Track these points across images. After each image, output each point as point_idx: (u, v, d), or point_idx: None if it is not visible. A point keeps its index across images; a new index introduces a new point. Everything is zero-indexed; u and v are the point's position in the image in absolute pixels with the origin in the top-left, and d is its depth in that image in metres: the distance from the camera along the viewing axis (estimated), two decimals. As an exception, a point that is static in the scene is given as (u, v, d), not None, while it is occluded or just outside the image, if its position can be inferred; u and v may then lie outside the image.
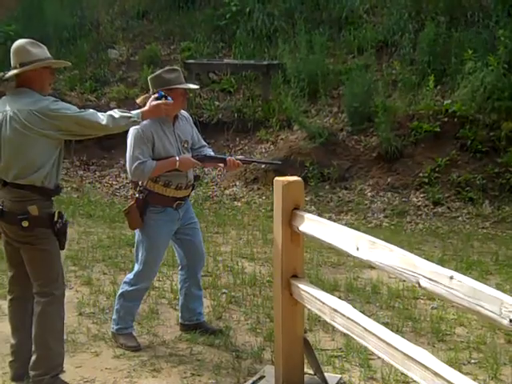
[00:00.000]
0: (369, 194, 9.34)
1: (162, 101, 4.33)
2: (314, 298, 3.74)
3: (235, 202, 9.67)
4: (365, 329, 3.31)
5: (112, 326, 4.74)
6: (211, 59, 11.75)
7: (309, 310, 4.11)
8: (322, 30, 11.36)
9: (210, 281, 6.10)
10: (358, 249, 3.27)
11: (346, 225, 6.25)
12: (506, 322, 2.33)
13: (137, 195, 4.58)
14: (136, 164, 4.43)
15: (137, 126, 4.36)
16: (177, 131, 4.66)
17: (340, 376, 4.26)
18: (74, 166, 11.30)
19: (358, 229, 3.53)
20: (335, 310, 3.56)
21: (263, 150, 10.24)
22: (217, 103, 11.23)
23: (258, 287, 5.99)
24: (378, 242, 3.16)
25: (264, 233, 7.67)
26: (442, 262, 5.67)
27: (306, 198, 9.38)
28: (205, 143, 5.00)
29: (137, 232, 4.70)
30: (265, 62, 11.22)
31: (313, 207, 9.09)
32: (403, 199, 9.22)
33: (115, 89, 11.94)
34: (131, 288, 4.65)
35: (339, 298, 3.83)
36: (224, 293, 5.85)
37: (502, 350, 4.71)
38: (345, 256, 6.98)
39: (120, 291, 4.71)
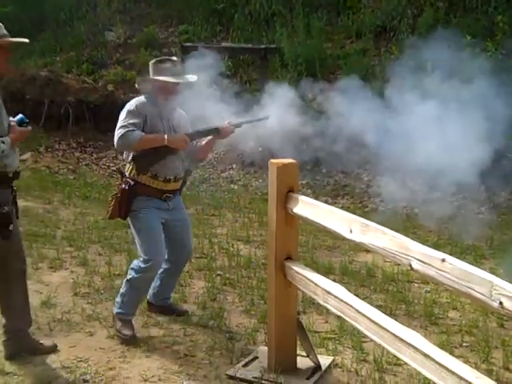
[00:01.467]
0: (365, 178, 9.36)
1: (23, 128, 4.04)
2: (308, 280, 3.76)
3: (232, 185, 9.69)
4: (357, 311, 3.33)
5: (114, 307, 4.67)
6: (209, 43, 11.71)
7: (302, 292, 4.13)
8: (320, 15, 11.32)
9: (205, 263, 6.13)
10: (351, 231, 3.28)
11: (342, 209, 6.27)
12: (495, 304, 2.34)
13: (122, 185, 4.48)
14: (123, 131, 4.30)
15: (133, 102, 4.46)
16: (171, 122, 4.59)
17: (333, 358, 4.29)
18: (71, 147, 11.30)
19: (354, 213, 3.53)
20: (328, 292, 3.58)
21: (260, 133, 10.22)
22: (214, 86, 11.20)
23: (252, 269, 6.02)
24: (370, 224, 3.17)
25: (260, 215, 7.69)
26: (436, 247, 5.67)
27: (303, 182, 9.40)
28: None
29: (130, 225, 4.62)
30: (262, 46, 11.19)
31: (309, 191, 9.11)
32: (398, 183, 9.21)
33: (112, 71, 11.92)
34: (137, 275, 4.51)
35: (334, 281, 3.84)
36: (219, 275, 5.88)
37: (494, 333, 4.75)
38: (340, 239, 7.00)
39: (127, 277, 4.59)
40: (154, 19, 12.88)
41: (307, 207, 3.72)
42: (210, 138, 4.72)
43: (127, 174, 4.51)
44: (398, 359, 4.07)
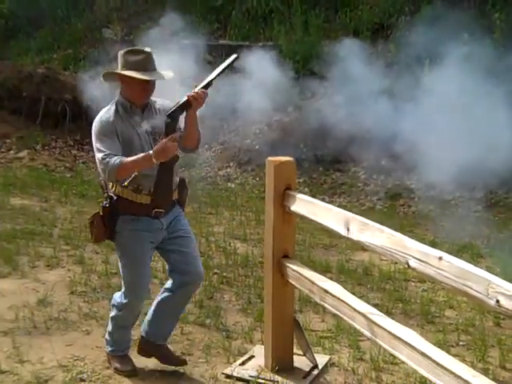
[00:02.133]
0: (362, 176, 9.37)
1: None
2: (305, 278, 3.75)
3: (229, 183, 9.68)
4: (354, 309, 3.33)
5: (106, 345, 4.15)
6: (206, 40, 11.69)
7: (299, 290, 4.13)
8: (318, 12, 11.32)
9: (202, 261, 6.11)
10: (348, 230, 3.28)
11: (338, 207, 6.27)
12: (492, 302, 2.34)
13: (103, 203, 3.81)
14: (101, 161, 3.59)
15: (96, 123, 3.74)
16: (147, 120, 3.79)
17: (329, 357, 4.28)
18: (68, 145, 11.29)
19: (350, 211, 3.51)
20: (325, 291, 3.57)
21: (257, 131, 10.23)
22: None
23: (249, 268, 6.01)
24: (368, 222, 3.16)
25: (257, 214, 7.69)
26: (433, 245, 5.66)
27: (300, 180, 9.40)
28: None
29: (116, 249, 3.99)
30: (260, 44, 11.18)
31: (306, 189, 9.11)
32: (396, 182, 9.24)
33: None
34: (120, 313, 3.96)
35: (331, 279, 3.83)
36: (216, 273, 5.87)
37: (490, 332, 4.75)
38: (337, 238, 7.01)
39: (110, 314, 4.06)
40: (151, 16, 12.85)
41: (304, 205, 3.71)
42: (185, 115, 3.83)
43: (109, 187, 3.83)
44: (395, 358, 4.06)
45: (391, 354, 3.86)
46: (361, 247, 6.30)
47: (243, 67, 5.04)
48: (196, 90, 3.78)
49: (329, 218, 3.49)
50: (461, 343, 4.59)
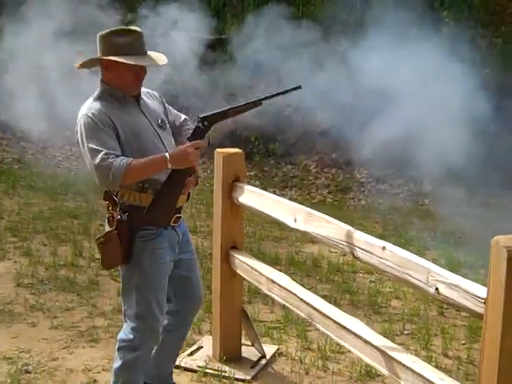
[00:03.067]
0: (313, 169, 9.44)
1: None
2: (252, 269, 3.78)
3: (180, 176, 9.65)
4: (300, 299, 3.37)
5: None
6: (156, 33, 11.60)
7: (248, 282, 4.15)
8: (271, 6, 11.33)
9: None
10: (295, 220, 3.31)
11: (289, 200, 6.33)
12: (432, 290, 2.40)
13: (118, 217, 3.06)
14: (97, 160, 2.92)
15: (84, 116, 3.03)
16: (147, 111, 3.21)
17: (277, 347, 4.32)
18: (16, 136, 11.07)
19: (301, 204, 3.54)
20: (272, 281, 3.61)
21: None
22: (162, 77, 11.13)
23: (199, 260, 5.96)
24: (315, 213, 3.20)
25: (208, 206, 7.68)
26: (381, 238, 5.78)
27: (251, 173, 9.44)
28: (184, 116, 3.50)
29: (124, 273, 3.20)
30: (211, 37, 11.14)
31: (257, 182, 9.14)
32: (347, 175, 9.35)
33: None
34: (136, 353, 3.20)
35: (280, 271, 3.87)
36: (165, 265, 5.85)
37: (434, 321, 4.87)
38: (287, 230, 7.06)
39: (119, 363, 3.24)
40: (101, 4, 12.67)
41: (253, 196, 3.74)
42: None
43: (119, 199, 3.09)
44: (342, 347, 4.13)
45: (338, 344, 3.93)
46: (310, 239, 6.38)
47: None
48: (240, 106, 3.26)
49: (276, 209, 3.52)
50: (406, 332, 4.68)
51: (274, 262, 5.88)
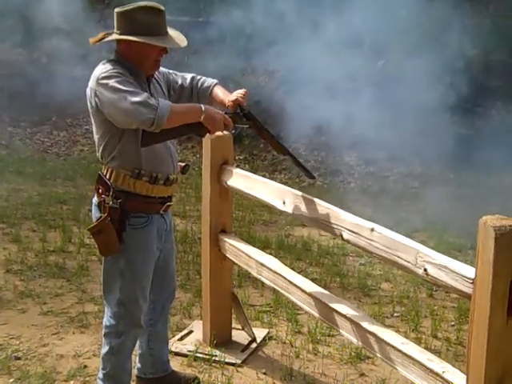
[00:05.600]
0: (302, 152, 9.43)
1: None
2: (242, 252, 3.77)
3: (169, 161, 9.62)
4: (290, 282, 3.36)
5: None
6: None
7: (238, 266, 4.14)
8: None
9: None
10: (284, 203, 3.30)
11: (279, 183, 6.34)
12: (420, 271, 2.39)
13: (110, 203, 3.00)
14: (141, 97, 2.78)
15: (110, 69, 2.90)
16: (154, 90, 3.11)
17: (267, 330, 4.32)
18: (3, 122, 11.00)
19: (291, 187, 3.51)
20: (262, 265, 3.60)
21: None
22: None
23: (188, 244, 6.01)
24: (303, 195, 3.19)
25: (197, 190, 7.67)
26: (371, 221, 5.79)
27: (240, 157, 9.42)
28: (191, 74, 3.35)
29: (107, 261, 3.14)
30: (200, 19, 11.08)
31: (247, 166, 9.13)
32: (336, 158, 9.35)
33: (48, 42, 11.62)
34: (121, 338, 3.19)
35: (270, 255, 3.86)
36: (155, 250, 5.83)
37: (424, 303, 4.89)
38: (277, 214, 7.07)
39: (105, 349, 3.23)
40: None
41: (241, 180, 3.72)
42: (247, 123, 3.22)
43: (112, 182, 3.02)
44: (332, 330, 4.16)
45: (328, 327, 3.95)
46: (300, 223, 6.39)
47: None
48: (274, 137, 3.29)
49: (265, 191, 3.50)
50: (395, 314, 4.70)
51: (263, 246, 5.88)
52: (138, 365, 3.57)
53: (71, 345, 4.07)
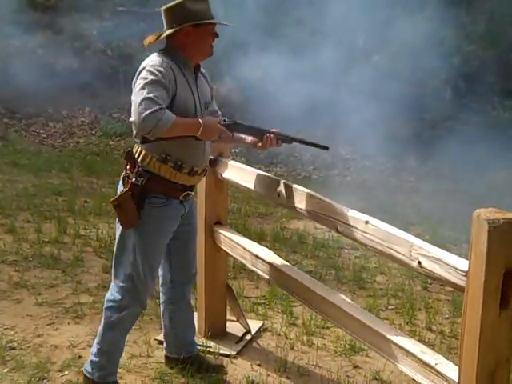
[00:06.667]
0: (298, 146, 9.42)
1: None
2: (237, 244, 3.78)
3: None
4: (284, 274, 3.37)
5: (89, 369, 3.37)
6: (143, 8, 11.48)
7: (233, 257, 4.15)
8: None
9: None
10: (279, 195, 3.30)
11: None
12: (414, 264, 2.40)
13: (133, 179, 3.14)
14: (153, 109, 2.88)
15: (157, 63, 3.05)
16: (200, 87, 3.28)
17: (262, 322, 4.34)
18: (-1, 113, 10.99)
19: (286, 180, 3.51)
20: (257, 257, 3.60)
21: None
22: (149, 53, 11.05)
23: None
24: (298, 188, 3.19)
25: (193, 183, 7.67)
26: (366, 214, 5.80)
27: (236, 150, 9.42)
28: (217, 109, 3.54)
29: (121, 233, 3.25)
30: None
31: (243, 158, 9.12)
32: (332, 152, 9.34)
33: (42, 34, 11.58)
34: (123, 313, 3.27)
35: (266, 247, 3.87)
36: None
37: (418, 296, 4.91)
38: (272, 207, 7.08)
39: (104, 322, 3.32)
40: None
41: (236, 172, 3.72)
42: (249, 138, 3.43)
43: (139, 161, 3.16)
44: (326, 322, 4.17)
45: (323, 319, 3.96)
46: (296, 216, 6.40)
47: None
48: (273, 132, 3.38)
49: (260, 184, 3.51)
50: (390, 307, 4.72)
51: (259, 238, 5.90)
52: (165, 344, 3.74)
53: (66, 335, 4.08)
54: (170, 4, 3.18)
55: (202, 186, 3.91)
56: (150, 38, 3.20)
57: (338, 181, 8.81)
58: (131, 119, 2.96)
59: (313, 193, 3.10)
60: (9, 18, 10.27)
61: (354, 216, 2.81)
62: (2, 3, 10.08)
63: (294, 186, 3.24)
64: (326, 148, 3.43)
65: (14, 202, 6.86)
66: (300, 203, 3.14)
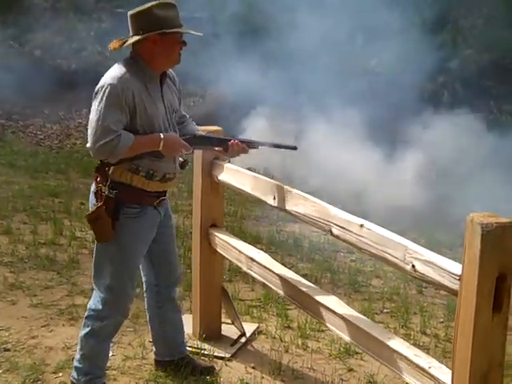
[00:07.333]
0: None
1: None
2: (232, 247, 3.78)
3: (162, 155, 9.62)
4: (279, 277, 3.38)
5: (75, 375, 3.37)
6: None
7: (228, 260, 4.15)
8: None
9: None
10: (274, 198, 3.31)
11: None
12: (408, 267, 2.41)
13: (106, 193, 3.12)
14: (108, 138, 2.94)
15: (114, 81, 3.01)
16: (165, 96, 3.26)
17: (257, 325, 4.34)
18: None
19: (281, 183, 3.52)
20: (252, 259, 3.61)
21: (191, 104, 10.17)
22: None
23: (180, 238, 5.97)
24: (293, 191, 3.20)
25: (189, 185, 7.60)
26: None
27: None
28: (184, 113, 3.55)
29: (99, 247, 3.27)
30: (196, 15, 11.05)
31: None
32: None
33: (39, 36, 11.60)
34: (104, 322, 3.29)
35: (261, 250, 3.87)
36: (146, 244, 5.83)
37: (413, 300, 4.92)
38: (268, 209, 7.07)
39: (85, 330, 3.32)
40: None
41: (232, 175, 3.73)
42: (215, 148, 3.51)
43: (111, 174, 3.14)
44: (321, 325, 4.16)
45: (318, 322, 3.96)
46: (291, 218, 6.38)
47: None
48: (240, 140, 3.42)
49: (255, 187, 3.51)
50: (385, 311, 4.73)
51: (255, 241, 5.89)
52: (154, 348, 3.75)
53: (60, 337, 4.08)
54: (137, 10, 3.11)
55: (197, 188, 3.92)
56: (114, 44, 3.14)
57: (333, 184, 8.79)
58: (87, 145, 3.02)
59: (308, 196, 3.11)
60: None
61: (349, 219, 2.81)
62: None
63: (290, 189, 3.25)
64: (294, 148, 3.48)
65: (10, 203, 6.85)
66: (295, 206, 3.15)
